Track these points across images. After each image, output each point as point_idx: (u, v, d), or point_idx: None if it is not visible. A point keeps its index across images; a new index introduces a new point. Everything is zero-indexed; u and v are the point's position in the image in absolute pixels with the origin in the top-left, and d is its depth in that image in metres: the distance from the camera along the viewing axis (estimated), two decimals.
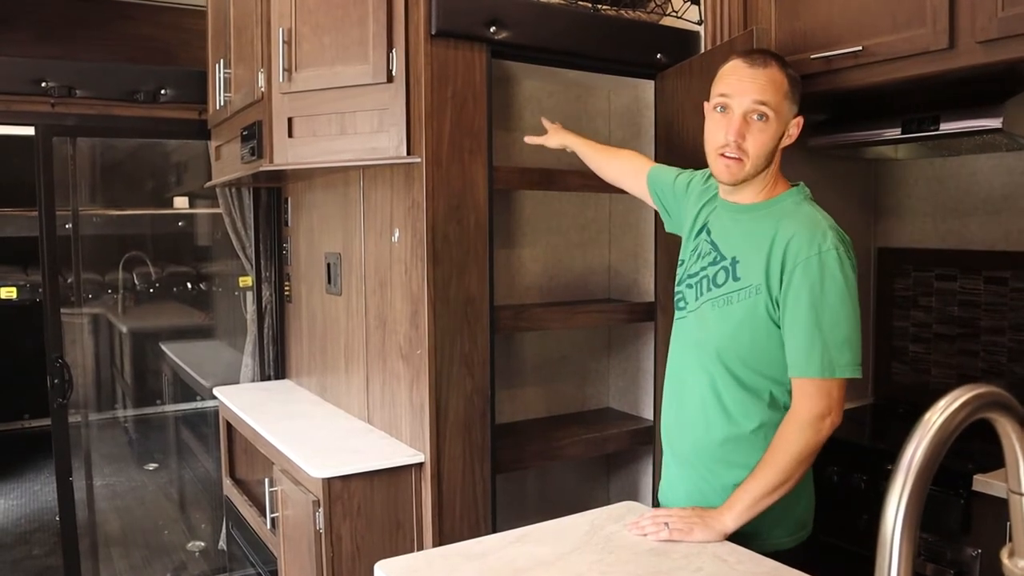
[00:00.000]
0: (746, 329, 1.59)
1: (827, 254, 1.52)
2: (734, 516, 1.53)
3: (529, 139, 2.36)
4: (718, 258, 1.68)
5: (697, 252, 1.75)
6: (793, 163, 1.92)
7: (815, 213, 1.60)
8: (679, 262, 1.82)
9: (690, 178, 1.92)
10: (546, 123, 2.37)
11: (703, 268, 1.70)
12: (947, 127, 2.06)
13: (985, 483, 1.84)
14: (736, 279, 1.62)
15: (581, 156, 2.27)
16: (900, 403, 2.64)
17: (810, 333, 1.51)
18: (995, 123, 1.96)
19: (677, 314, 1.78)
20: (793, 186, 1.69)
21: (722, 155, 1.63)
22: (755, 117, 1.60)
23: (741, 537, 1.55)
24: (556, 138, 2.31)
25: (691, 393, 1.70)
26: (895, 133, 2.18)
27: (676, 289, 1.79)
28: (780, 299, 1.56)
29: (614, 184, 2.22)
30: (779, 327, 1.57)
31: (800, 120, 1.66)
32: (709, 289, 1.67)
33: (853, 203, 2.72)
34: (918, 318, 2.62)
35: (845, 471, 2.13)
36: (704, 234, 1.75)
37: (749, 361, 1.60)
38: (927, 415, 0.73)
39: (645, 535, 1.54)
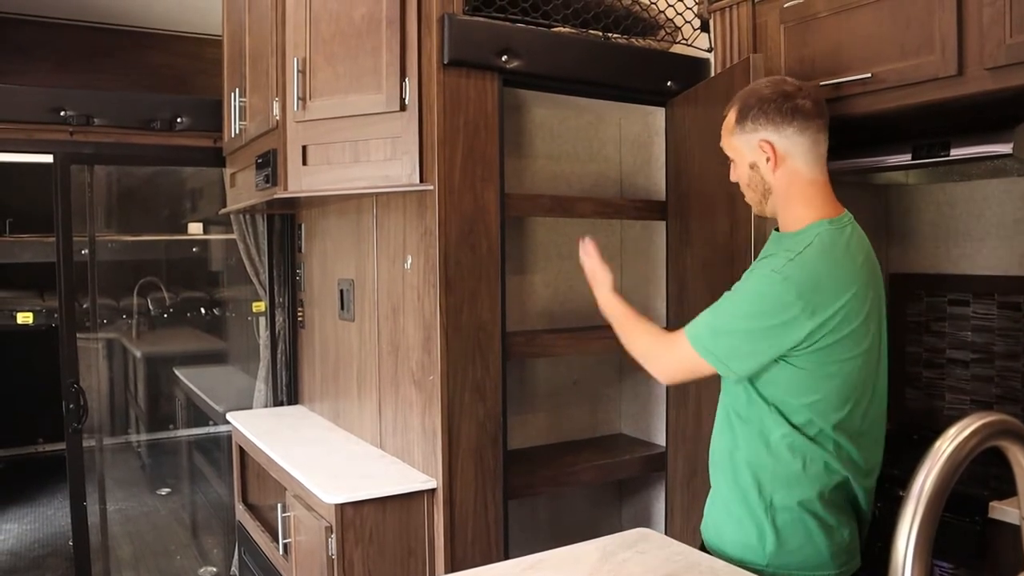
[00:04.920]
0: None
1: (760, 263, 1.62)
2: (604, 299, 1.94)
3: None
4: None
5: None
6: None
7: (801, 243, 1.58)
8: None
9: None
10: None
11: None
12: (957, 153, 2.06)
13: (1001, 510, 1.82)
14: None
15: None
16: (914, 429, 2.62)
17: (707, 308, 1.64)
18: (1006, 148, 1.95)
19: None
20: (820, 220, 1.67)
21: None
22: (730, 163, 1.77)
23: (785, 569, 1.56)
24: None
25: (717, 412, 1.77)
26: (905, 159, 2.18)
27: None
28: None
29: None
30: (781, 352, 1.57)
31: (763, 141, 1.64)
32: None
33: (864, 229, 2.70)
34: (931, 344, 2.61)
35: None
36: None
37: (754, 379, 1.63)
38: (937, 444, 0.73)
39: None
